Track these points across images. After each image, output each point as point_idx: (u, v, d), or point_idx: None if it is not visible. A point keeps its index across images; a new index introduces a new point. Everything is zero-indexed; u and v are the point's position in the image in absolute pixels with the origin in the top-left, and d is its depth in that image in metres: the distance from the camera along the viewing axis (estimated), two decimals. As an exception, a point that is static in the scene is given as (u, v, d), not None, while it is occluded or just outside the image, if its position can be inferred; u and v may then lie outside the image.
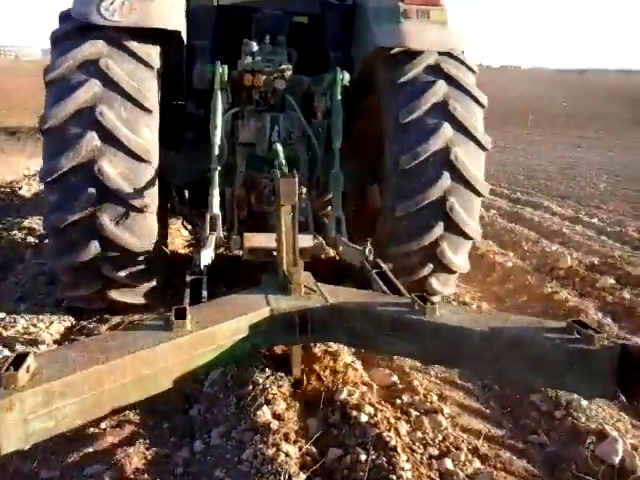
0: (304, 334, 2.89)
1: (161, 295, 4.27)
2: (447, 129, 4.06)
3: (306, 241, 3.98)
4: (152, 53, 3.93)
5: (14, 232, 6.43)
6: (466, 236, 4.24)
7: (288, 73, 4.36)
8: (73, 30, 3.82)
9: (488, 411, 3.25)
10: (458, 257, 4.28)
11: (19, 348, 3.47)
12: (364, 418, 2.76)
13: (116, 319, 4.10)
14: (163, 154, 4.02)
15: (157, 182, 3.91)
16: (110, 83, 3.69)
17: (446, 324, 2.71)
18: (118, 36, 3.81)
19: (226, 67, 4.21)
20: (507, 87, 44.44)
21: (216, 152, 4.05)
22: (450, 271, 4.31)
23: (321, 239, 4.11)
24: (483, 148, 4.22)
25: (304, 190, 4.20)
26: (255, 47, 4.47)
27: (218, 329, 2.67)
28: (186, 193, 4.95)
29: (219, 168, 4.04)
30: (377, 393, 3.14)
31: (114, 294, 3.96)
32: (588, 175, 15.16)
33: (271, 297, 2.98)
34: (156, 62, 3.92)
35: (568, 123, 34.69)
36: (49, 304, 4.23)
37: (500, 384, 3.43)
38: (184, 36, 4.22)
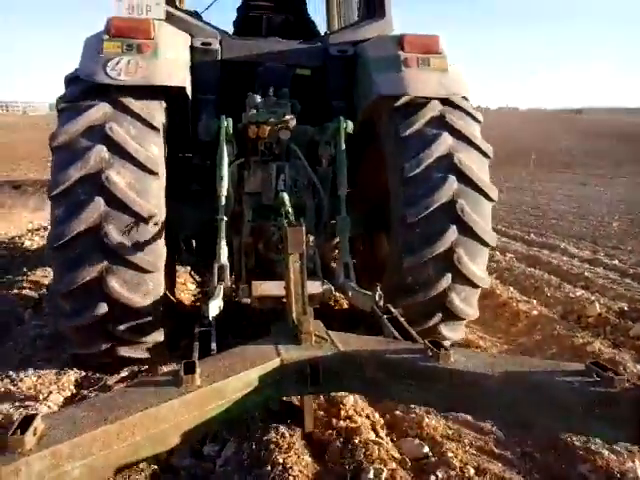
0: (316, 384, 2.82)
1: (168, 348, 4.21)
2: (452, 182, 4.07)
3: (315, 287, 3.95)
4: (157, 113, 3.98)
5: (14, 291, 6.30)
6: (474, 285, 4.22)
7: (292, 123, 4.41)
8: (79, 94, 3.90)
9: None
10: (467, 305, 4.26)
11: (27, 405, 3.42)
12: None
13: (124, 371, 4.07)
14: (170, 206, 4.04)
15: (164, 241, 3.92)
16: (115, 147, 3.74)
17: (461, 370, 2.65)
18: (123, 98, 3.88)
19: (231, 120, 4.27)
20: (507, 129, 45.02)
21: (222, 203, 4.07)
22: (459, 319, 4.28)
23: (330, 285, 4.07)
24: (490, 199, 4.23)
25: (311, 237, 4.18)
26: (259, 99, 4.54)
27: (228, 383, 2.61)
28: (194, 243, 4.95)
29: (225, 219, 4.04)
30: (408, 469, 2.81)
31: (122, 351, 3.94)
32: (599, 214, 14.87)
33: (281, 347, 2.93)
34: (161, 122, 3.98)
35: (570, 162, 34.92)
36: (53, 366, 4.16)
37: (540, 451, 3.20)
38: (189, 91, 4.30)
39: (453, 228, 4.05)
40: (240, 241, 4.43)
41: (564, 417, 2.48)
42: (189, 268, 5.44)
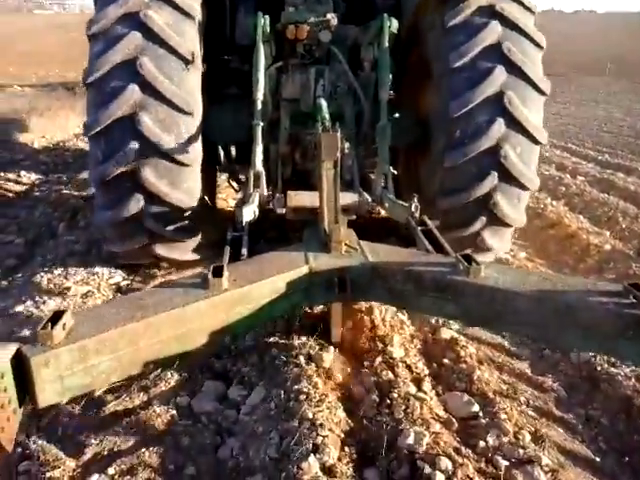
0: (343, 293, 2.82)
1: (210, 252, 4.29)
2: (500, 72, 3.78)
3: (350, 198, 3.88)
4: (194, 3, 3.83)
5: (50, 201, 6.29)
6: (522, 187, 3.97)
7: (333, 23, 4.17)
8: None
9: (598, 459, 2.54)
10: (514, 209, 4.02)
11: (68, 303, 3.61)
12: (439, 478, 2.15)
13: (163, 274, 4.22)
14: (208, 109, 3.97)
15: (200, 136, 3.87)
16: (151, 35, 3.63)
17: (491, 286, 2.58)
18: None
19: (268, 19, 4.07)
20: (582, 34, 41.61)
21: (258, 107, 3.96)
22: (505, 224, 4.07)
23: (367, 196, 3.99)
24: (542, 93, 3.90)
25: (347, 145, 4.05)
26: None
27: (255, 288, 2.64)
28: (232, 150, 4.91)
29: (262, 124, 3.96)
30: (454, 433, 2.52)
31: (159, 249, 4.00)
32: None
33: (311, 255, 2.93)
34: (198, 12, 3.83)
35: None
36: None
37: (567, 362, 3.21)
38: None
39: (500, 122, 3.79)
40: (277, 149, 4.35)
41: (595, 339, 2.39)
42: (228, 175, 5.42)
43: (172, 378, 2.94)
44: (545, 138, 3.98)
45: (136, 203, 3.74)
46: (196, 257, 4.16)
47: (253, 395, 2.78)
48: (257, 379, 2.92)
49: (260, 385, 2.84)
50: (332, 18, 4.14)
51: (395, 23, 4.10)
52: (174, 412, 2.69)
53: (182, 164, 3.76)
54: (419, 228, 3.35)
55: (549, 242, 5.35)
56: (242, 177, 4.94)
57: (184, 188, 3.81)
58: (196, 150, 3.84)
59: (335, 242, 2.96)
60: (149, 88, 3.60)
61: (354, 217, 3.83)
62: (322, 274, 2.83)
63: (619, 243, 5.22)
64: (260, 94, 3.98)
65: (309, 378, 2.72)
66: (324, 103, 3.82)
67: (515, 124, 3.81)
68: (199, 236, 4.10)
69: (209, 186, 4.80)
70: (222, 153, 4.94)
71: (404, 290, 2.80)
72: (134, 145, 3.63)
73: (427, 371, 3.01)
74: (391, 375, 2.85)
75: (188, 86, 3.74)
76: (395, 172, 4.28)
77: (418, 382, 2.85)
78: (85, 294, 3.78)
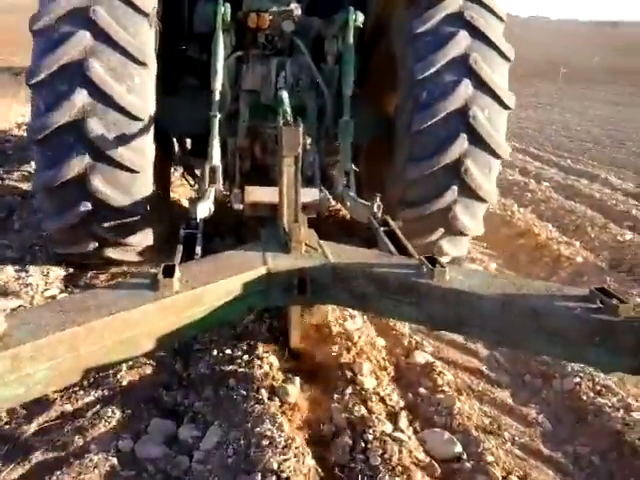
0: (302, 295, 2.71)
1: (165, 252, 4.09)
2: (466, 86, 3.74)
3: (311, 195, 3.77)
4: None
5: None
6: (482, 200, 3.97)
7: (297, 13, 4.04)
8: None
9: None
10: (472, 221, 4.03)
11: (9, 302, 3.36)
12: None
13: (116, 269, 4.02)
14: (162, 101, 3.78)
15: (152, 139, 3.69)
16: (100, 33, 3.41)
17: (455, 289, 2.51)
18: None
19: (229, 6, 3.90)
20: (536, 39, 42.70)
21: (216, 98, 3.80)
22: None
23: (328, 194, 3.88)
24: (506, 107, 3.90)
25: (309, 141, 3.93)
26: None
27: (209, 289, 2.49)
28: (188, 143, 4.73)
29: (219, 116, 3.79)
30: (438, 479, 2.30)
31: (109, 252, 3.83)
32: (637, 138, 13.91)
33: (269, 255, 2.80)
34: (151, 6, 3.62)
35: (601, 79, 33.18)
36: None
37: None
38: None
39: (463, 137, 3.76)
40: (235, 143, 4.19)
41: (561, 344, 2.35)
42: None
43: (113, 416, 2.52)
44: (507, 153, 3.99)
45: (83, 208, 3.54)
46: (148, 242, 3.95)
47: (208, 436, 2.40)
48: (212, 416, 2.54)
49: (215, 425, 2.45)
50: (295, 8, 4.02)
51: (361, 17, 4.00)
52: (115, 460, 2.27)
53: (133, 171, 3.59)
54: (382, 229, 3.26)
55: (519, 252, 5.27)
56: (198, 171, 4.75)
57: (134, 193, 3.63)
58: (148, 155, 3.68)
59: (295, 242, 2.84)
60: (98, 92, 3.42)
61: (314, 215, 3.72)
62: (281, 275, 2.70)
63: (590, 255, 5.17)
64: (218, 85, 3.82)
65: (272, 417, 2.36)
66: (286, 96, 3.69)
67: (478, 139, 3.78)
68: (151, 237, 3.91)
69: (162, 180, 4.59)
70: (177, 146, 4.74)
71: (366, 292, 2.70)
72: (81, 153, 3.45)
73: (402, 403, 2.77)
74: (364, 410, 2.55)
75: (141, 87, 3.56)
76: (357, 170, 4.19)
77: (394, 418, 2.59)
78: (15, 309, 3.42)
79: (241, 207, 3.74)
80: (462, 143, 3.76)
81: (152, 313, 2.29)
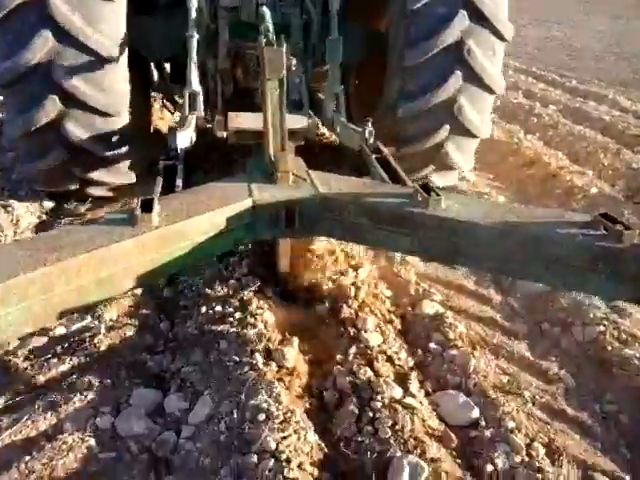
0: (291, 227, 2.60)
1: (148, 183, 3.95)
2: (462, 18, 3.55)
3: (299, 121, 3.60)
4: None
5: None
6: (473, 136, 3.94)
7: None
8: None
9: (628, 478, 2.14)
10: (463, 157, 4.02)
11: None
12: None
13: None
14: (136, 23, 3.54)
15: (125, 79, 3.52)
16: None
17: (451, 218, 2.41)
18: None
19: None
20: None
21: (193, 17, 3.53)
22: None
23: (317, 119, 3.70)
24: (503, 39, 3.73)
25: (294, 62, 3.70)
26: None
27: (190, 224, 2.38)
28: (167, 67, 4.47)
29: (197, 36, 3.54)
30: (454, 456, 2.08)
31: (91, 190, 3.76)
32: None
33: (254, 186, 2.67)
34: None
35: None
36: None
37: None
38: None
39: (458, 74, 3.63)
40: (215, 65, 3.95)
41: (562, 272, 2.28)
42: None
43: (90, 388, 2.25)
44: (502, 88, 3.87)
45: (60, 154, 3.37)
46: (130, 180, 3.81)
47: (197, 408, 2.17)
48: (201, 385, 2.29)
49: (205, 395, 2.20)
50: None
51: None
52: (92, 440, 2.04)
53: (108, 115, 3.41)
54: (373, 156, 3.12)
55: (529, 184, 4.95)
56: (179, 98, 4.52)
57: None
58: (122, 95, 3.49)
59: (281, 172, 2.70)
60: (62, 32, 3.22)
61: (302, 142, 3.56)
62: (267, 207, 2.59)
63: (605, 185, 4.90)
64: (195, 1, 3.54)
65: (269, 386, 2.12)
66: (267, 12, 3.40)
67: (473, 76, 3.65)
68: (133, 175, 3.76)
69: (142, 113, 4.39)
70: (155, 71, 4.48)
71: (357, 224, 2.60)
72: (52, 99, 3.28)
73: (411, 362, 2.52)
74: (370, 373, 2.31)
75: (108, 16, 3.34)
76: (347, 93, 3.99)
77: (403, 380, 2.34)
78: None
79: (224, 134, 3.57)
80: (456, 80, 3.64)
81: (130, 250, 2.18)
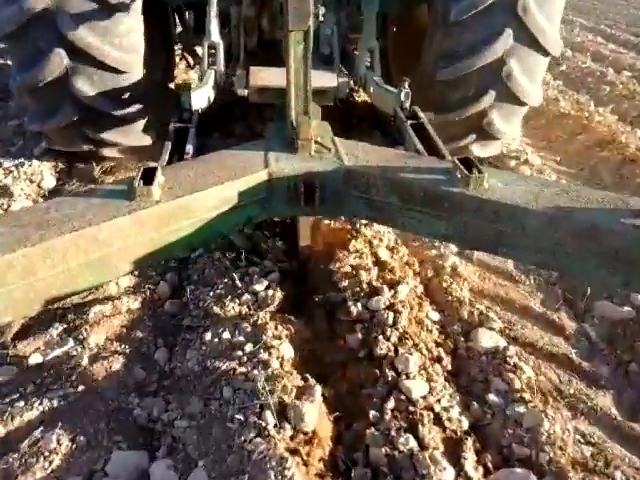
0: (311, 205, 2.36)
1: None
2: None
3: (328, 79, 3.30)
4: None
5: None
6: (522, 104, 3.60)
7: None
8: None
9: None
10: (509, 126, 3.68)
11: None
12: None
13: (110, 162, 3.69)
14: None
15: (139, 31, 3.28)
16: None
17: (494, 200, 2.11)
18: None
19: None
20: None
21: None
22: (518, 101, 3.61)
23: (347, 77, 3.38)
24: None
25: (323, 11, 3.34)
26: None
27: (197, 198, 2.14)
28: (188, 15, 4.16)
29: None
30: None
31: (106, 152, 3.58)
32: None
33: (272, 156, 2.42)
34: None
35: None
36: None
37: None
38: None
39: (508, 32, 3.26)
40: (239, 14, 3.63)
41: (625, 270, 1.97)
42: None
43: (57, 450, 1.79)
44: (559, 49, 3.52)
45: (69, 113, 3.15)
46: (146, 142, 3.60)
47: None
48: (197, 450, 1.82)
49: (201, 466, 1.75)
50: None
51: None
52: None
53: (118, 71, 3.18)
54: (409, 122, 2.80)
55: (602, 169, 4.26)
56: (199, 51, 4.24)
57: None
58: (134, 51, 3.24)
59: (303, 139, 2.44)
60: None
61: (331, 103, 3.26)
62: (284, 180, 2.34)
63: None
64: None
65: (280, 462, 1.65)
66: None
67: (526, 35, 3.29)
68: (149, 137, 3.54)
69: (162, 63, 4.13)
70: (176, 19, 4.20)
71: (387, 203, 2.32)
72: (59, 50, 3.07)
73: (466, 423, 1.97)
74: (412, 442, 1.82)
75: None
76: (384, 48, 3.64)
77: (455, 451, 1.85)
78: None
79: (246, 92, 3.28)
80: (506, 39, 3.26)
81: (126, 228, 1.97)
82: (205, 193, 2.17)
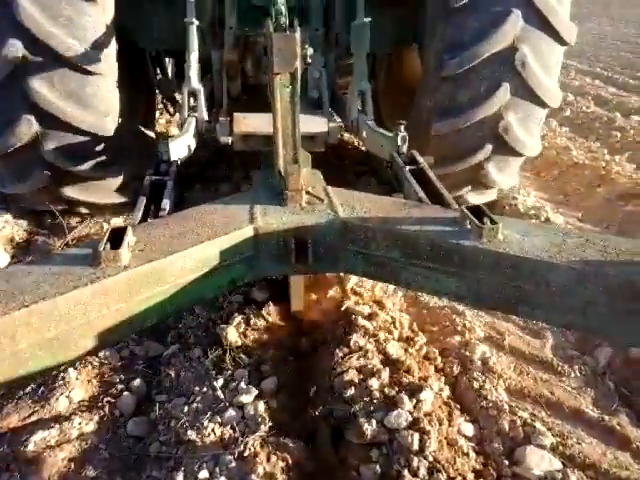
0: (303, 262, 2.12)
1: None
2: (516, 18, 3.06)
3: (318, 124, 3.12)
4: None
5: None
6: (519, 155, 3.51)
7: None
8: None
9: None
10: (505, 176, 3.59)
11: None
12: None
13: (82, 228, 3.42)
14: (131, 7, 3.13)
15: (114, 90, 3.13)
16: None
17: (513, 254, 1.87)
18: None
19: None
20: None
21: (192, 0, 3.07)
22: (516, 153, 3.52)
23: (338, 122, 3.20)
24: (563, 43, 3.25)
25: (311, 52, 3.18)
26: None
27: (172, 261, 1.89)
28: (167, 62, 4.02)
29: (197, 23, 3.09)
30: None
31: (69, 191, 3.28)
32: None
33: (258, 209, 2.20)
34: None
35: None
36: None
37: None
38: None
39: (506, 87, 3.17)
40: (221, 58, 3.47)
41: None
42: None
43: None
44: (557, 101, 3.43)
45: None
46: (121, 200, 3.40)
47: None
48: None
49: None
50: None
51: None
52: None
53: (89, 134, 3.02)
54: (407, 168, 2.59)
55: (631, 226, 3.85)
56: (179, 98, 4.08)
57: (98, 155, 3.09)
58: (109, 112, 3.08)
59: (292, 190, 2.23)
60: (31, 37, 2.82)
61: (322, 150, 3.07)
62: (273, 236, 2.12)
63: None
64: None
65: None
66: None
67: (525, 88, 3.22)
68: (127, 195, 3.34)
69: (144, 110, 3.97)
70: (155, 65, 4.05)
71: (388, 258, 2.09)
72: (27, 114, 2.91)
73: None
74: None
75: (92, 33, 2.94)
76: (375, 90, 3.48)
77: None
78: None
79: (229, 140, 3.09)
80: (504, 93, 3.17)
81: (88, 300, 1.70)
82: (182, 254, 1.92)
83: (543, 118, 3.52)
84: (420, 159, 2.65)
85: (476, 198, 3.59)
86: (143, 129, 3.90)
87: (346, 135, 4.18)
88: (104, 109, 3.05)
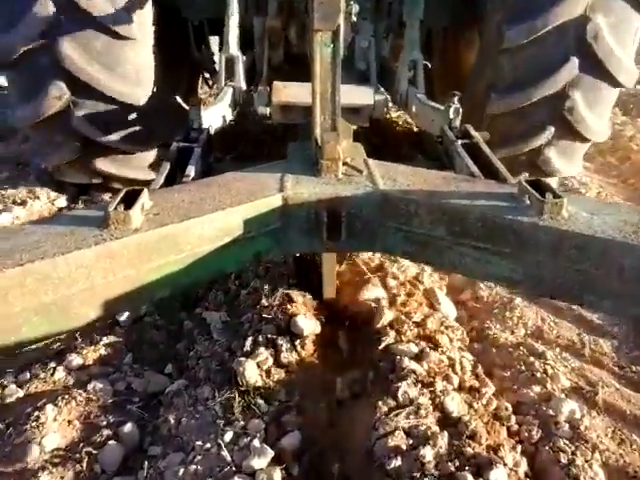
0: (335, 238, 1.92)
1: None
2: None
3: (364, 96, 2.92)
4: None
5: None
6: (585, 140, 3.26)
7: None
8: None
9: None
10: (568, 164, 3.34)
11: None
12: None
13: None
14: None
15: (149, 59, 3.07)
16: None
17: (580, 233, 1.63)
18: None
19: None
20: None
21: None
22: (581, 137, 3.28)
23: (387, 94, 3.00)
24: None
25: (356, 9, 2.98)
26: None
27: (187, 227, 1.73)
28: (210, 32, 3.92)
29: None
30: None
31: (101, 164, 3.20)
32: None
33: (289, 178, 2.02)
34: None
35: None
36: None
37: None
38: None
39: (573, 61, 2.92)
40: (263, 24, 3.32)
41: None
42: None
43: None
44: (633, 80, 3.15)
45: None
46: (153, 176, 3.30)
47: None
48: None
49: None
50: None
51: None
52: None
53: (122, 104, 2.94)
54: (459, 142, 2.36)
55: None
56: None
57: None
58: (142, 82, 3.00)
59: (328, 159, 2.03)
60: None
61: (367, 124, 2.87)
62: (303, 207, 1.92)
63: None
64: None
65: None
66: None
67: (594, 63, 2.97)
68: (153, 147, 3.23)
69: (186, 84, 3.89)
70: (198, 39, 3.95)
71: (432, 236, 1.88)
72: (59, 82, 2.84)
73: None
74: None
75: None
76: (428, 64, 3.25)
77: None
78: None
79: (267, 111, 2.93)
80: (571, 68, 2.92)
81: (92, 262, 1.56)
82: (200, 220, 1.76)
83: (614, 99, 3.23)
84: (474, 133, 2.43)
85: None
86: (183, 103, 3.81)
87: (394, 114, 3.99)
88: (135, 76, 2.95)
